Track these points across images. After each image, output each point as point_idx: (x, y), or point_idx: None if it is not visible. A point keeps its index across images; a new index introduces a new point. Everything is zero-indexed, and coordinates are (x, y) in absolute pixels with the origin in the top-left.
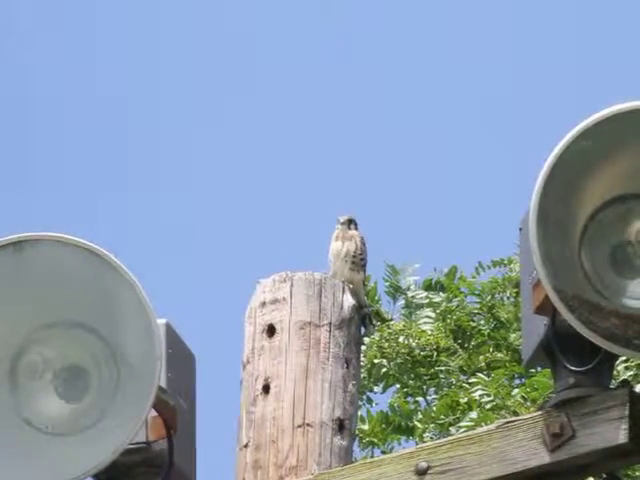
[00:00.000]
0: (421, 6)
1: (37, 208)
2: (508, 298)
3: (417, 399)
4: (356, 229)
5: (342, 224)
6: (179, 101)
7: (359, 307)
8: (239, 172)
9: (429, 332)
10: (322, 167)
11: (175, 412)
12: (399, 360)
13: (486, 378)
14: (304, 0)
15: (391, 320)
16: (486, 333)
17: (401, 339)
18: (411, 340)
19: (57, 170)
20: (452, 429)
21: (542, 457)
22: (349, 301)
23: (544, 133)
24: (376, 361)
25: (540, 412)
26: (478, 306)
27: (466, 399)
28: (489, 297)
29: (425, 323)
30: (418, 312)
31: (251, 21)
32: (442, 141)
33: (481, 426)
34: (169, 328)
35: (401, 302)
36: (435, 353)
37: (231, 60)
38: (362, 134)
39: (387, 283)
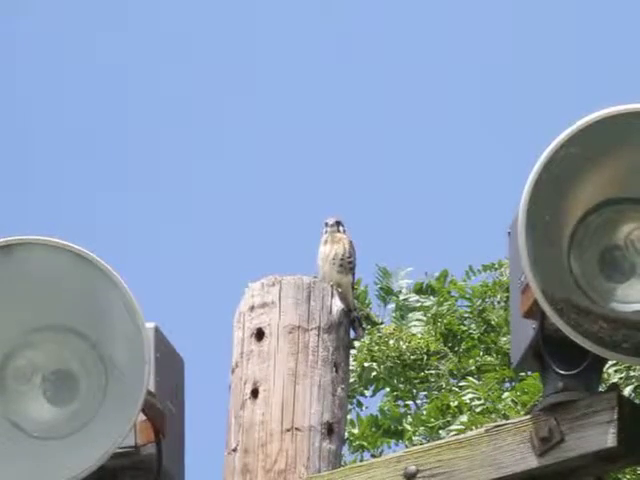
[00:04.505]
0: (420, 8)
1: (37, 208)
2: (499, 302)
3: (407, 403)
4: (344, 231)
5: (331, 226)
6: (178, 102)
7: (348, 311)
8: (230, 175)
9: (419, 335)
10: (313, 170)
11: (164, 416)
12: (389, 363)
13: (476, 382)
14: (304, 0)
15: (381, 324)
16: (476, 337)
17: (391, 342)
18: (401, 343)
19: (57, 170)
20: (442, 432)
21: (531, 461)
22: (338, 305)
23: (535, 137)
24: (366, 364)
25: (529, 416)
26: (468, 310)
27: (456, 402)
28: (479, 301)
29: (415, 327)
30: (410, 315)
31: (251, 21)
32: (433, 146)
33: (471, 429)
34: (158, 332)
35: (392, 305)
36: (425, 357)
37: (231, 60)
38: (354, 137)
39: (378, 286)
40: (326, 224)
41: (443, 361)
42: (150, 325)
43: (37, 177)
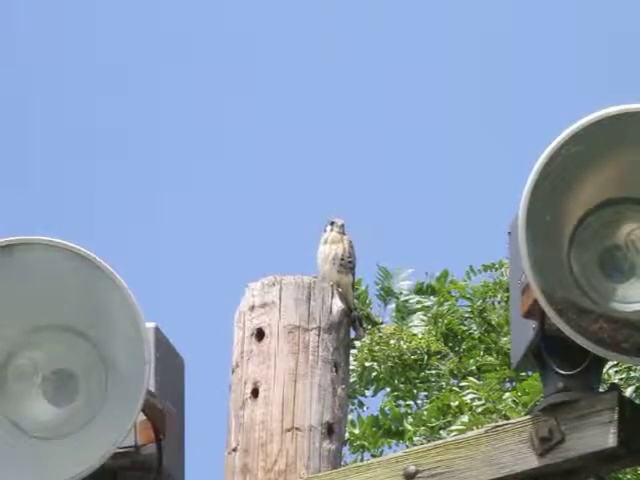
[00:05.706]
0: (420, 8)
1: (37, 208)
2: (499, 302)
3: (408, 403)
4: (344, 233)
5: (339, 227)
6: (178, 102)
7: (348, 311)
8: (230, 175)
9: (420, 335)
10: (313, 170)
11: (164, 416)
12: (390, 363)
13: (477, 382)
14: (304, 0)
15: (382, 323)
16: (477, 337)
17: (392, 342)
18: (402, 343)
19: (57, 170)
20: (443, 433)
21: (531, 461)
22: (338, 305)
23: (535, 137)
24: (367, 364)
25: (529, 416)
26: (469, 310)
27: (457, 403)
28: (480, 301)
29: (416, 327)
30: (410, 315)
31: (251, 21)
32: (434, 146)
33: (472, 430)
34: (158, 332)
35: (392, 305)
36: (426, 357)
37: (231, 60)
38: (355, 137)
39: (378, 286)
40: (332, 223)
41: (444, 361)
42: (150, 325)
43: (37, 177)
